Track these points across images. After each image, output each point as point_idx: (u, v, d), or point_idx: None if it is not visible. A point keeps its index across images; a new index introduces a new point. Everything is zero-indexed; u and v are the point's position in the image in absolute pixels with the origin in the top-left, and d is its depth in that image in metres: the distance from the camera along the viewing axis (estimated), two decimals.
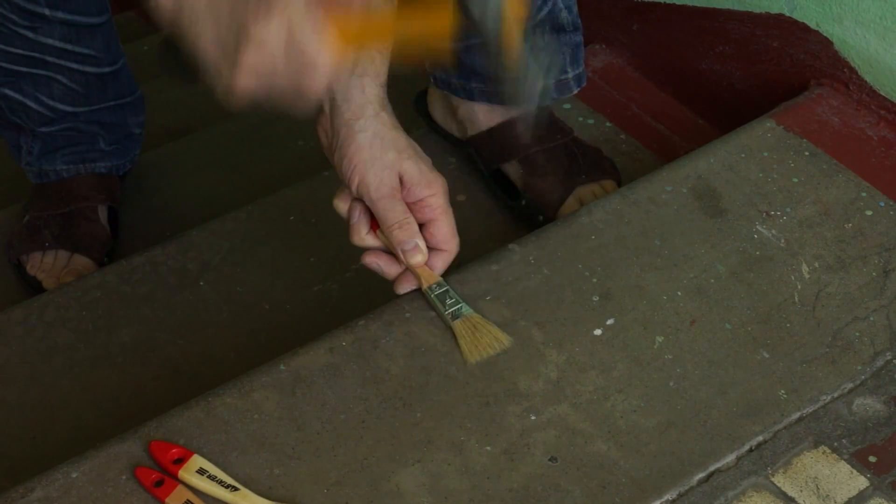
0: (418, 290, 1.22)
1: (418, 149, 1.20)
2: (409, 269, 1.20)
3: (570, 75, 1.52)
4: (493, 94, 1.51)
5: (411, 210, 1.18)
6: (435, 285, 1.20)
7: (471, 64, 1.47)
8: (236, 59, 0.92)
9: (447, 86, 1.53)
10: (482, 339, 1.19)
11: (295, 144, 1.76)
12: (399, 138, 1.17)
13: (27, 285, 1.57)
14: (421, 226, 1.19)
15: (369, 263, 1.22)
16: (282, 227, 1.53)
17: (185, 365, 1.39)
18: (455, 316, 1.19)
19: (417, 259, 1.18)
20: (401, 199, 1.17)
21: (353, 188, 1.17)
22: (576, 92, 1.53)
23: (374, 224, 1.20)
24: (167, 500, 1.06)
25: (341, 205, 1.21)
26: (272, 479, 1.08)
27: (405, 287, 1.22)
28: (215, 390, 1.16)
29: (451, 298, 1.20)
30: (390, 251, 1.20)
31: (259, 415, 1.13)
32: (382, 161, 1.16)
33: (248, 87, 0.94)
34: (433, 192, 1.19)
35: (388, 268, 1.21)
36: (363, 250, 1.21)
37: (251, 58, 0.92)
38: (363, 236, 1.20)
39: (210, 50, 0.93)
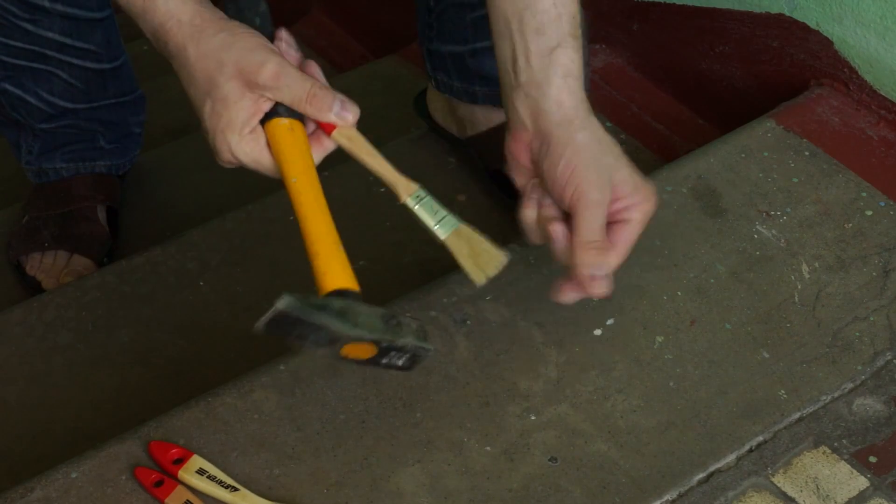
0: (414, 289, 1.21)
1: (627, 157, 1.12)
2: (377, 172, 1.09)
3: None
4: (497, 96, 1.51)
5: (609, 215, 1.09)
6: (416, 194, 1.10)
7: (476, 67, 1.47)
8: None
9: (449, 89, 1.53)
10: (480, 256, 1.10)
11: None
12: (613, 143, 1.10)
13: (27, 285, 1.57)
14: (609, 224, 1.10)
15: (568, 299, 1.11)
16: (282, 227, 1.53)
17: (185, 365, 1.39)
18: (446, 229, 1.10)
19: (602, 290, 1.09)
20: (606, 212, 1.09)
21: (567, 195, 1.08)
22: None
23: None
24: (167, 500, 1.06)
25: (538, 225, 1.12)
26: (272, 480, 1.08)
27: (568, 297, 1.12)
28: (215, 390, 1.16)
29: (439, 208, 1.10)
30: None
31: (259, 415, 1.13)
32: (601, 164, 1.07)
33: (228, 166, 1.05)
34: (643, 201, 1.10)
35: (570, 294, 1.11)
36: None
37: (221, 162, 1.04)
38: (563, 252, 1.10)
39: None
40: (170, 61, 1.05)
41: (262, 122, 1.03)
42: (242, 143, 1.02)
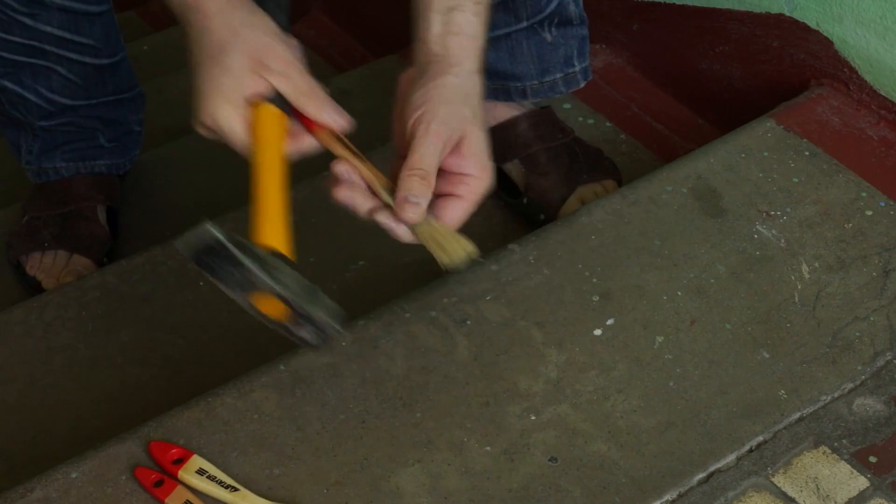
0: (414, 289, 1.22)
1: (487, 133, 1.11)
2: (376, 194, 1.08)
3: (577, 68, 1.52)
4: (501, 91, 1.52)
5: (441, 177, 1.07)
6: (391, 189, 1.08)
7: None
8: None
9: None
10: (448, 245, 1.09)
11: None
12: (481, 109, 1.10)
13: (27, 285, 1.57)
14: (436, 196, 1.08)
15: (343, 199, 1.08)
16: None
17: (185, 365, 1.39)
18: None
19: (411, 216, 1.06)
20: (442, 155, 1.06)
21: (411, 121, 1.06)
22: (582, 85, 1.53)
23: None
24: (167, 500, 1.06)
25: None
26: (272, 479, 1.08)
27: (393, 227, 1.09)
28: (215, 390, 1.16)
29: None
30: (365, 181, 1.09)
31: (259, 415, 1.13)
32: (456, 109, 1.07)
33: (202, 133, 1.08)
34: (480, 176, 1.08)
35: (362, 204, 1.09)
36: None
37: (196, 125, 1.07)
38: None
39: None
40: (185, 15, 1.07)
41: (253, 104, 1.06)
42: (227, 112, 1.05)
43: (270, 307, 1.03)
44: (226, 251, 1.00)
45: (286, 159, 1.07)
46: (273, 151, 1.06)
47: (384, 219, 1.08)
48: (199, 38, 1.06)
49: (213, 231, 1.00)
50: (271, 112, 1.05)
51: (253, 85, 1.05)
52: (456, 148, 1.07)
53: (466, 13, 1.11)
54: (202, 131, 1.08)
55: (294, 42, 1.10)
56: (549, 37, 1.48)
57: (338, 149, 1.07)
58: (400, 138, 1.08)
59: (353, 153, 1.08)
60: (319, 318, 1.04)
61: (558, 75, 1.51)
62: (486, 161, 1.09)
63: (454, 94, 1.08)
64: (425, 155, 1.05)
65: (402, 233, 1.08)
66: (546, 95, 1.53)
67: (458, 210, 1.08)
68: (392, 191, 1.06)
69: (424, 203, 1.05)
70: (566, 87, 1.53)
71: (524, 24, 1.46)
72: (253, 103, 1.05)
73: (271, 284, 1.01)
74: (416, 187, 1.05)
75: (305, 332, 1.05)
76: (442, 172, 1.07)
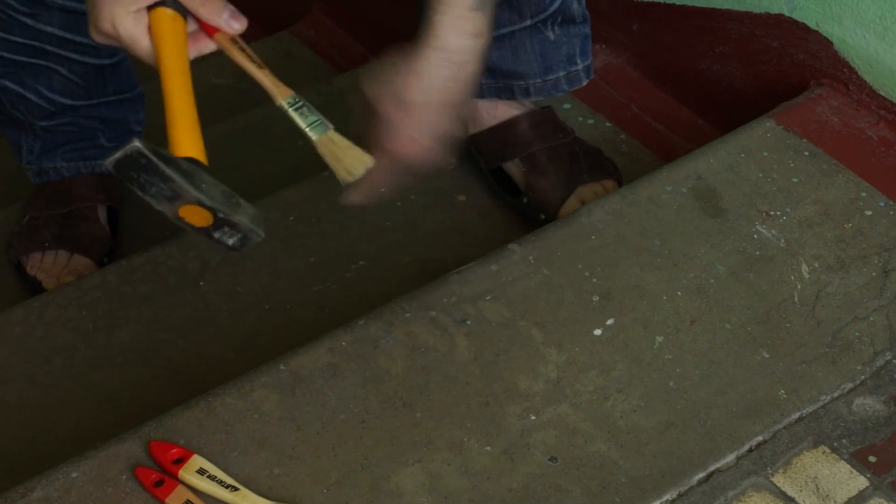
0: (413, 289, 1.22)
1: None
2: (254, 76, 1.11)
3: (580, 66, 1.52)
4: (504, 89, 1.52)
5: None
6: (291, 98, 1.11)
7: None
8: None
9: None
10: (348, 158, 1.13)
11: (295, 145, 1.76)
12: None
13: (27, 285, 1.57)
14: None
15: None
16: (282, 227, 1.53)
17: (185, 365, 1.39)
18: (318, 131, 1.11)
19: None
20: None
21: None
22: (585, 84, 1.54)
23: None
24: (167, 500, 1.06)
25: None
26: (272, 479, 1.08)
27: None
28: (215, 390, 1.16)
29: (312, 113, 1.11)
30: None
31: (259, 415, 1.13)
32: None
33: (101, 42, 1.09)
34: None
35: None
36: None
37: (95, 34, 1.07)
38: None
39: None
40: None
41: (149, 8, 1.07)
42: (126, 19, 1.06)
43: (196, 216, 1.05)
44: (153, 166, 1.02)
45: (188, 63, 1.08)
46: (176, 57, 1.07)
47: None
48: None
49: (140, 146, 1.01)
50: (167, 16, 1.06)
51: None
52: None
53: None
54: (101, 40, 1.08)
55: None
56: (552, 35, 1.48)
57: (234, 52, 1.10)
58: None
59: (249, 57, 1.10)
60: (242, 223, 1.07)
61: (561, 74, 1.51)
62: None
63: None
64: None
65: None
66: (549, 94, 1.53)
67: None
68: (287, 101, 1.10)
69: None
70: (569, 86, 1.53)
71: (528, 22, 1.46)
72: (150, 10, 1.06)
73: (197, 195, 1.03)
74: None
75: (229, 240, 1.08)
76: None
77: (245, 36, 1.11)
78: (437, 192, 1.58)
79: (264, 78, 1.11)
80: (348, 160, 1.12)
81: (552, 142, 1.53)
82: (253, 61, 1.11)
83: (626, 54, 1.77)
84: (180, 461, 1.08)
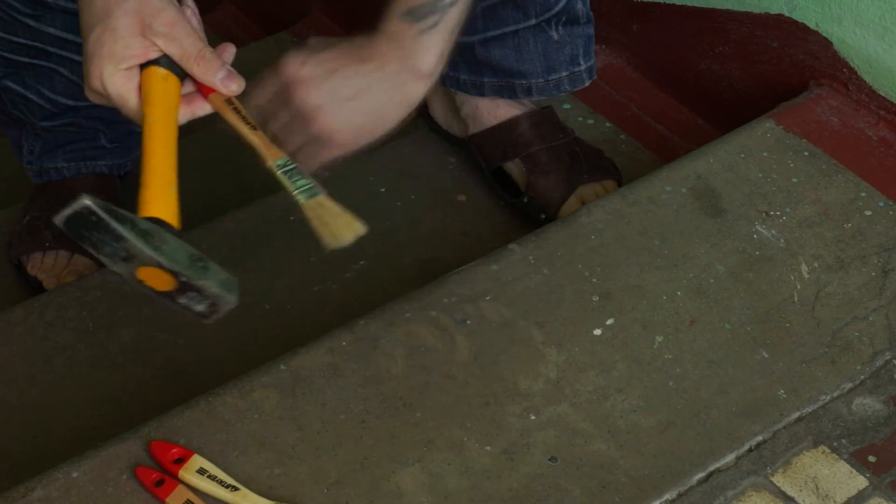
0: (414, 289, 1.22)
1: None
2: (247, 138, 1.08)
3: (583, 67, 1.52)
4: (506, 88, 1.52)
5: None
6: (282, 161, 1.08)
7: (485, 57, 1.48)
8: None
9: (455, 83, 1.54)
10: (335, 222, 1.08)
11: None
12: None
13: (28, 285, 1.57)
14: None
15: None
16: (282, 227, 1.53)
17: (185, 365, 1.39)
18: (307, 196, 1.08)
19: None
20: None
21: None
22: (587, 84, 1.54)
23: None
24: (167, 499, 1.06)
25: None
26: (272, 479, 1.08)
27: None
28: (215, 390, 1.16)
29: (302, 177, 1.08)
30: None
31: (259, 415, 1.13)
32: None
33: (93, 100, 1.06)
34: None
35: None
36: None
37: (87, 91, 1.05)
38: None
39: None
40: None
41: (142, 67, 1.04)
42: (115, 77, 1.03)
43: (157, 280, 1.00)
44: (103, 224, 0.96)
45: (176, 124, 1.05)
46: (161, 117, 1.04)
47: None
48: (86, 2, 1.03)
49: (88, 202, 0.95)
50: (159, 75, 1.04)
51: (140, 50, 1.03)
52: None
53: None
54: (93, 97, 1.06)
55: (189, 3, 1.08)
56: (555, 35, 1.48)
57: (228, 113, 1.06)
58: None
59: (243, 119, 1.07)
60: (209, 289, 1.02)
61: (564, 74, 1.51)
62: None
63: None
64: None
65: None
66: (551, 94, 1.53)
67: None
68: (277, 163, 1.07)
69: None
70: (571, 86, 1.53)
71: (532, 21, 1.47)
72: (143, 69, 1.03)
73: (154, 256, 0.98)
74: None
75: (197, 306, 1.02)
76: None
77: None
78: (437, 192, 1.58)
79: (257, 140, 1.08)
80: (336, 226, 1.08)
81: (553, 141, 1.53)
82: (247, 123, 1.07)
83: (626, 54, 1.78)
84: (180, 461, 1.08)
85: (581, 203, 1.48)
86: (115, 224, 0.96)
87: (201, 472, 1.07)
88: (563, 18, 1.48)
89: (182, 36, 1.03)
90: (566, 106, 1.70)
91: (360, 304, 1.26)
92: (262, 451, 1.11)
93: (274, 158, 1.07)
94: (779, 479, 1.12)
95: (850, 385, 1.19)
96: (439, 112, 1.62)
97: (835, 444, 1.15)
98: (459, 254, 1.21)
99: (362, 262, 1.47)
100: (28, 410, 1.36)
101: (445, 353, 1.19)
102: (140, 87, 1.04)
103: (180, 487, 1.07)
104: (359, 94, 1.09)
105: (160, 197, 1.02)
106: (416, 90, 1.10)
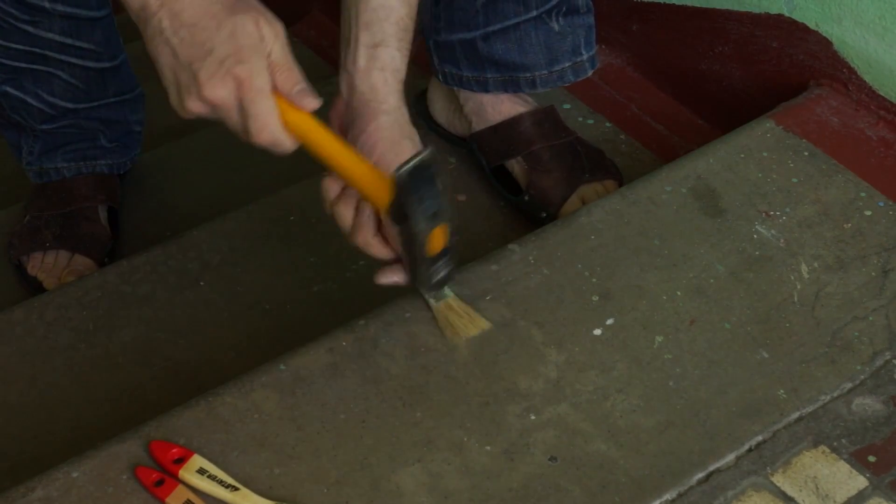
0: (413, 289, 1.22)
1: None
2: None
3: (585, 57, 1.52)
4: (510, 82, 1.52)
5: None
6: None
7: (487, 52, 1.48)
8: (187, 93, 1.03)
9: (458, 81, 1.54)
10: (458, 323, 1.18)
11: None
12: (415, 134, 1.17)
13: (28, 285, 1.57)
14: None
15: (387, 281, 1.18)
16: (282, 227, 1.53)
17: (185, 365, 1.39)
18: (438, 298, 1.19)
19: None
20: None
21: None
22: (590, 74, 1.54)
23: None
24: (167, 499, 1.06)
25: (340, 204, 1.15)
26: (272, 479, 1.09)
27: (388, 279, 1.18)
28: (215, 390, 1.16)
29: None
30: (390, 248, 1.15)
31: (259, 415, 1.13)
32: (401, 146, 1.13)
33: (197, 113, 1.05)
34: None
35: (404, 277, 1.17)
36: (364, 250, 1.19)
37: (196, 105, 1.03)
38: (370, 239, 1.15)
39: (164, 71, 1.04)
40: (151, 20, 1.03)
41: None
42: (263, 99, 1.03)
43: (437, 241, 1.09)
44: (434, 178, 1.05)
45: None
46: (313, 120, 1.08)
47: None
48: (193, 12, 1.02)
49: (434, 153, 1.05)
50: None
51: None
52: None
53: (391, 48, 1.17)
54: (193, 112, 1.04)
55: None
56: (556, 26, 1.48)
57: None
58: None
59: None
60: (456, 253, 1.12)
61: (567, 64, 1.52)
62: None
63: (393, 132, 1.14)
64: None
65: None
66: (555, 85, 1.53)
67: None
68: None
69: None
70: (574, 77, 1.53)
71: (533, 13, 1.47)
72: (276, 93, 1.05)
73: (452, 213, 1.08)
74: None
75: (444, 271, 1.12)
76: None
77: None
78: None
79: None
80: (461, 325, 1.18)
81: (555, 140, 1.53)
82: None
83: (626, 54, 1.78)
84: (180, 461, 1.08)
85: (582, 202, 1.48)
86: (439, 181, 1.06)
87: (201, 471, 1.07)
88: (564, 9, 1.48)
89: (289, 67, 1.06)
90: (566, 106, 1.70)
91: (360, 304, 1.26)
92: (262, 451, 1.11)
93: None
94: (779, 479, 1.12)
95: (850, 385, 1.19)
96: (441, 111, 1.62)
97: (835, 444, 1.15)
98: (459, 254, 1.21)
99: (362, 262, 1.47)
100: (28, 410, 1.36)
101: (445, 353, 1.19)
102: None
103: (180, 487, 1.07)
104: None
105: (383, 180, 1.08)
106: None
